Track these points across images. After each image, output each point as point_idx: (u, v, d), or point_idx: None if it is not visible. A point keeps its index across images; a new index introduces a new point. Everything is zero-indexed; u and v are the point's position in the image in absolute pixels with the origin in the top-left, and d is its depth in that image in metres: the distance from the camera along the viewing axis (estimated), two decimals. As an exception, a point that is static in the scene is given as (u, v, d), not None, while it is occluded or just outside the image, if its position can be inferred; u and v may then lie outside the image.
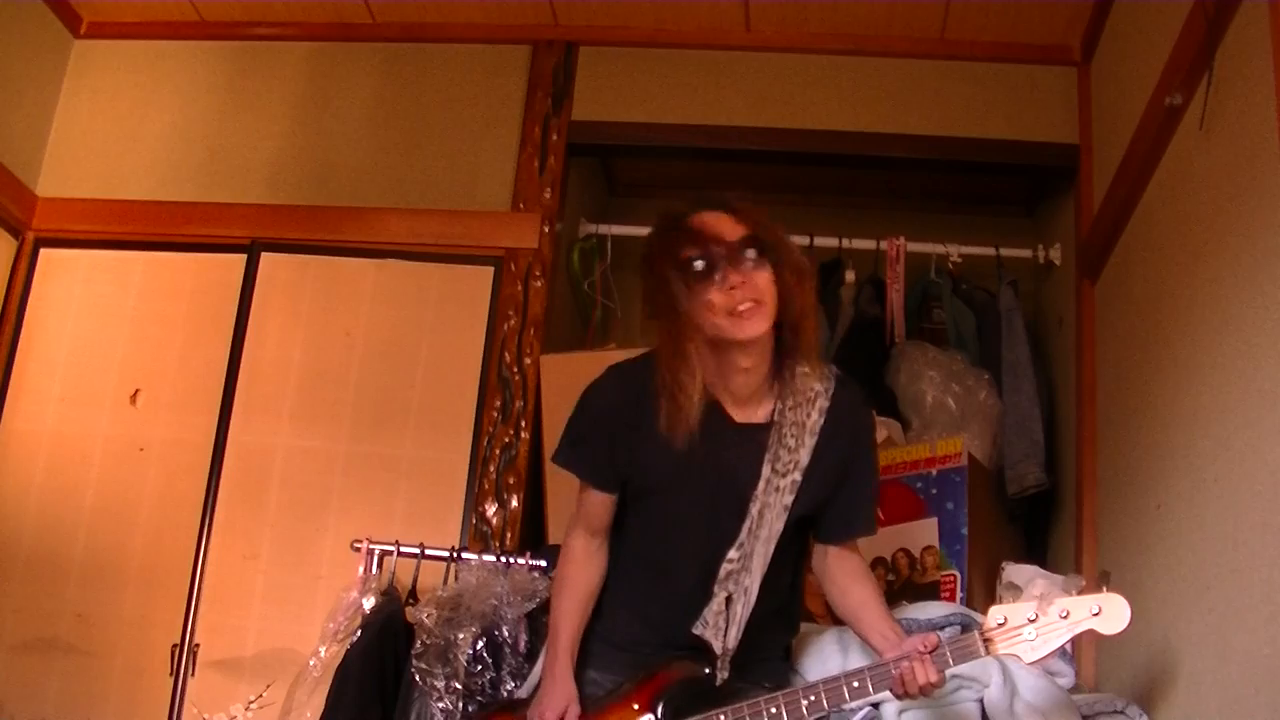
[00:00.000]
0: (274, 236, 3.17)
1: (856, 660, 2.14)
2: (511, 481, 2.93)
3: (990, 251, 3.27)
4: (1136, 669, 2.26)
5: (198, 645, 2.88)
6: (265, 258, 3.16)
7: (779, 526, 1.95)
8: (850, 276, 3.32)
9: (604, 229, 3.39)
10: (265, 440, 3.02)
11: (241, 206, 3.22)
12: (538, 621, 2.48)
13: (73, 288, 3.20)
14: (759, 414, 1.99)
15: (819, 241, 3.28)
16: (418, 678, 2.41)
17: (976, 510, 2.64)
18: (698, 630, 1.93)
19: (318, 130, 3.28)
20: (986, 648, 1.80)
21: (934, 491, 2.69)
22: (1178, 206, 2.29)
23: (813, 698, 1.84)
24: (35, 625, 2.95)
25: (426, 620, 2.48)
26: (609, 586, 2.11)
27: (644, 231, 3.19)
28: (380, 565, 2.71)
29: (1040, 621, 1.78)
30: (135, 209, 3.25)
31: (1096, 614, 1.77)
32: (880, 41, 3.21)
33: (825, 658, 2.23)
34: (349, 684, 2.47)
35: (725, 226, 1.90)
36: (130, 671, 2.89)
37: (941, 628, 2.22)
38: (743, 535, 1.94)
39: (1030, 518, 3.05)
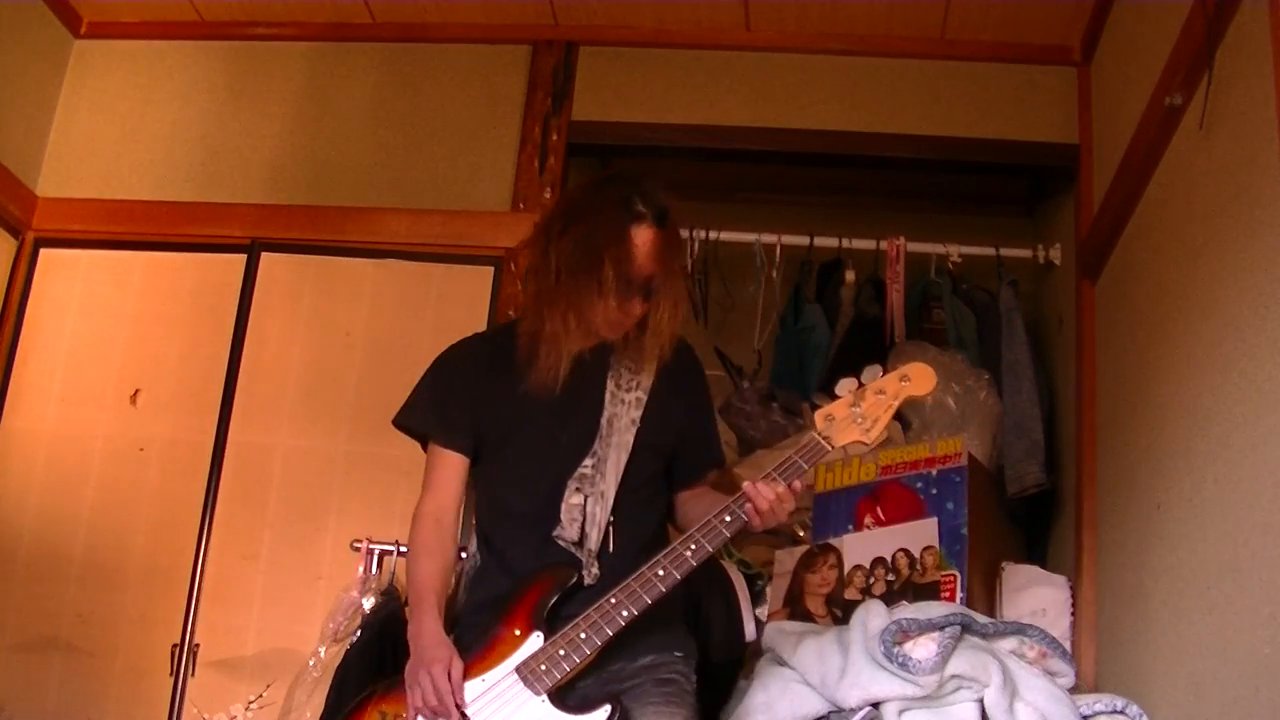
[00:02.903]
0: (274, 236, 3.17)
1: (857, 659, 2.14)
2: (511, 481, 2.92)
3: (990, 251, 3.27)
4: (1137, 669, 2.26)
5: (198, 645, 2.88)
6: (265, 258, 3.16)
7: (629, 438, 2.02)
8: (850, 276, 3.32)
9: (604, 229, 3.38)
10: (265, 440, 3.02)
11: (241, 206, 3.22)
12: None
13: (72, 288, 3.21)
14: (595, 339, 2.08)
15: (819, 241, 3.28)
16: (418, 678, 2.41)
17: (976, 510, 2.64)
18: (557, 534, 1.97)
19: (317, 130, 3.28)
20: (827, 443, 1.95)
21: (934, 491, 2.69)
22: (1178, 206, 2.29)
23: (661, 571, 1.86)
24: (35, 625, 2.95)
25: (426, 620, 2.47)
26: (476, 556, 2.11)
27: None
28: (380, 565, 2.71)
29: (863, 407, 1.98)
30: (135, 209, 3.25)
31: (907, 381, 2.00)
32: (880, 41, 3.21)
33: (826, 658, 2.22)
34: (349, 684, 2.46)
35: (654, 251, 1.97)
36: (130, 671, 2.89)
37: (941, 628, 2.21)
38: (596, 443, 2.02)
39: (1030, 518, 3.05)
